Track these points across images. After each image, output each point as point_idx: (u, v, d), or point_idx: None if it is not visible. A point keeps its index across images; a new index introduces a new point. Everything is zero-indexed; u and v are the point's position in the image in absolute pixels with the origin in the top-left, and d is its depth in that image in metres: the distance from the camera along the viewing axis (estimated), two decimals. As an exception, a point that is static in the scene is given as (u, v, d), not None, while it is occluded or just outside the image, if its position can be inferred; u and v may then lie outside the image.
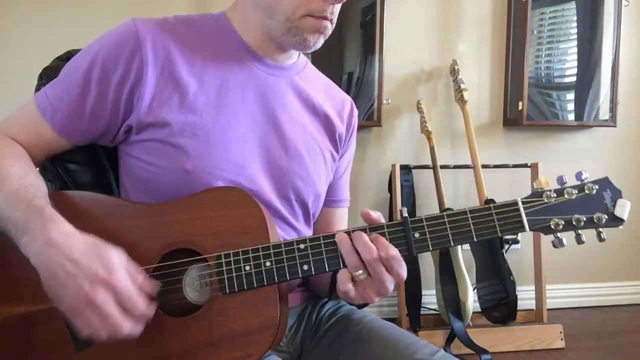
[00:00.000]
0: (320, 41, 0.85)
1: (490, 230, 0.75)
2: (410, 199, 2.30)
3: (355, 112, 1.03)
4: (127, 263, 0.71)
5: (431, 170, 2.26)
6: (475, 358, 1.93)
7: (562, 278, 2.52)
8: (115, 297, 0.68)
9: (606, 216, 0.74)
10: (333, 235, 0.76)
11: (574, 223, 0.74)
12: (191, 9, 2.22)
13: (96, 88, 0.82)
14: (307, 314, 0.97)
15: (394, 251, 0.74)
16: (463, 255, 2.16)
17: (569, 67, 2.45)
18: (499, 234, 0.75)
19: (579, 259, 2.55)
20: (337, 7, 0.83)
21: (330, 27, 0.84)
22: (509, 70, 2.46)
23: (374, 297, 0.76)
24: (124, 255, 0.71)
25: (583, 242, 0.74)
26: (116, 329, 0.68)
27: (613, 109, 2.48)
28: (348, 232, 0.76)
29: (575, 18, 2.45)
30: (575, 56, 2.45)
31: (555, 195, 0.75)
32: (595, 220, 0.74)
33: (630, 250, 2.59)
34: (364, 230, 0.76)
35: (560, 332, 2.13)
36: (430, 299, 2.30)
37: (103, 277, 0.67)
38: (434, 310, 2.30)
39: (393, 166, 2.26)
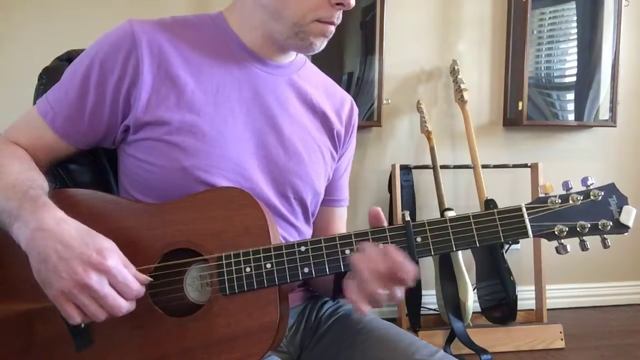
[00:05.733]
0: (324, 44, 0.86)
1: (493, 236, 0.74)
2: (410, 199, 2.30)
3: (356, 111, 1.03)
4: (119, 251, 0.72)
5: (431, 170, 2.26)
6: (475, 358, 1.93)
7: (562, 278, 2.52)
8: (109, 280, 0.69)
9: (611, 223, 0.73)
10: (334, 238, 0.76)
11: (578, 230, 0.73)
12: (190, 9, 2.21)
13: (94, 90, 0.82)
14: (306, 313, 0.97)
15: (414, 270, 0.72)
16: (463, 255, 2.16)
17: (569, 67, 2.45)
18: (502, 240, 0.74)
19: (579, 259, 2.55)
20: (341, 11, 0.84)
21: (334, 30, 0.85)
22: (509, 70, 2.46)
23: (383, 305, 0.76)
24: (114, 244, 0.72)
25: (587, 249, 0.74)
26: (114, 309, 0.69)
27: (613, 109, 2.47)
28: (359, 248, 0.74)
29: (575, 18, 2.45)
30: (575, 56, 2.44)
31: (560, 201, 0.74)
32: (600, 227, 0.73)
33: (630, 250, 2.59)
34: (365, 234, 0.75)
35: (560, 332, 2.13)
36: (430, 299, 2.30)
37: (96, 261, 0.68)
38: (434, 310, 2.30)
39: (393, 166, 2.26)
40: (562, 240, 0.75)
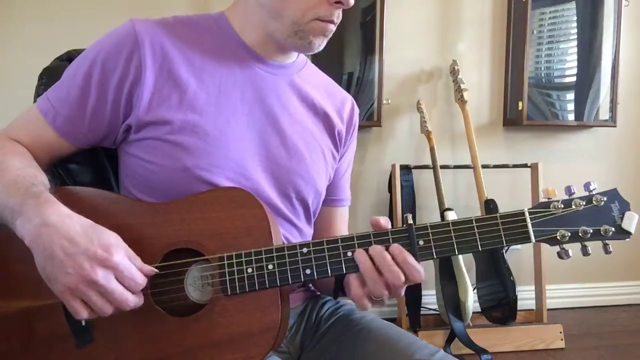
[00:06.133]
0: (324, 43, 0.86)
1: (495, 240, 0.74)
2: (410, 199, 2.30)
3: (356, 111, 1.03)
4: (124, 245, 0.72)
5: (431, 170, 2.26)
6: (475, 358, 1.93)
7: (562, 278, 2.52)
8: (116, 275, 0.69)
9: (613, 229, 0.73)
10: (337, 240, 0.76)
11: (580, 235, 0.73)
12: (191, 9, 2.21)
13: (96, 89, 0.82)
14: (307, 313, 0.97)
15: (421, 271, 0.73)
16: (463, 255, 2.16)
17: (569, 67, 2.45)
18: (504, 244, 0.73)
19: (579, 259, 2.52)
20: (341, 10, 0.84)
21: (334, 30, 0.85)
22: (509, 70, 2.46)
23: (384, 304, 0.77)
24: (119, 237, 0.72)
25: (589, 254, 0.74)
26: (122, 303, 0.70)
27: (613, 109, 2.48)
28: (366, 249, 0.74)
29: (575, 18, 2.45)
30: (575, 56, 2.44)
31: (562, 206, 0.73)
32: (602, 233, 0.73)
33: (630, 251, 2.58)
34: (367, 236, 0.75)
35: (560, 332, 2.13)
36: (430, 299, 2.29)
37: (102, 257, 0.68)
38: (434, 310, 2.30)
39: (393, 166, 2.26)
40: (564, 245, 0.74)
